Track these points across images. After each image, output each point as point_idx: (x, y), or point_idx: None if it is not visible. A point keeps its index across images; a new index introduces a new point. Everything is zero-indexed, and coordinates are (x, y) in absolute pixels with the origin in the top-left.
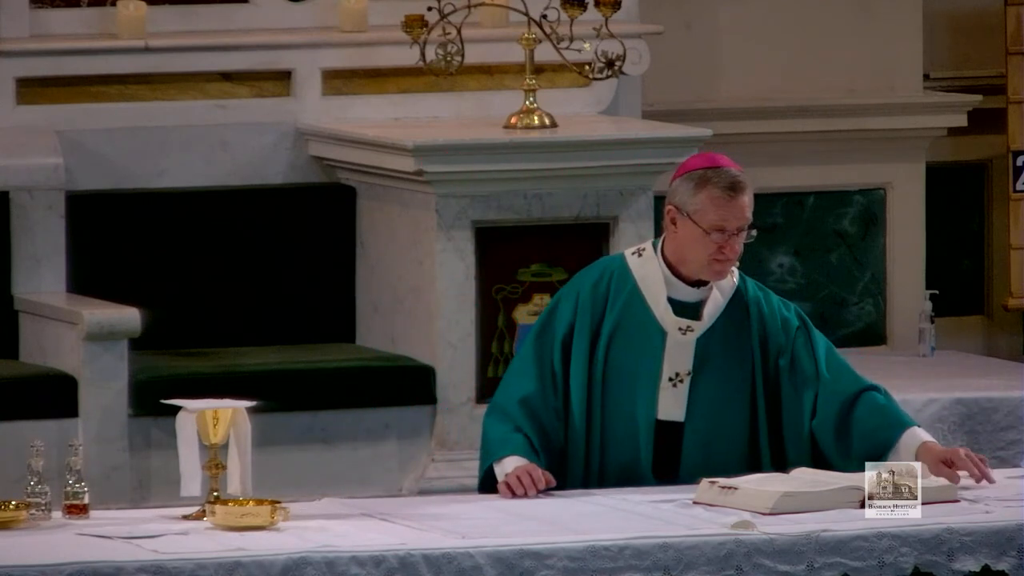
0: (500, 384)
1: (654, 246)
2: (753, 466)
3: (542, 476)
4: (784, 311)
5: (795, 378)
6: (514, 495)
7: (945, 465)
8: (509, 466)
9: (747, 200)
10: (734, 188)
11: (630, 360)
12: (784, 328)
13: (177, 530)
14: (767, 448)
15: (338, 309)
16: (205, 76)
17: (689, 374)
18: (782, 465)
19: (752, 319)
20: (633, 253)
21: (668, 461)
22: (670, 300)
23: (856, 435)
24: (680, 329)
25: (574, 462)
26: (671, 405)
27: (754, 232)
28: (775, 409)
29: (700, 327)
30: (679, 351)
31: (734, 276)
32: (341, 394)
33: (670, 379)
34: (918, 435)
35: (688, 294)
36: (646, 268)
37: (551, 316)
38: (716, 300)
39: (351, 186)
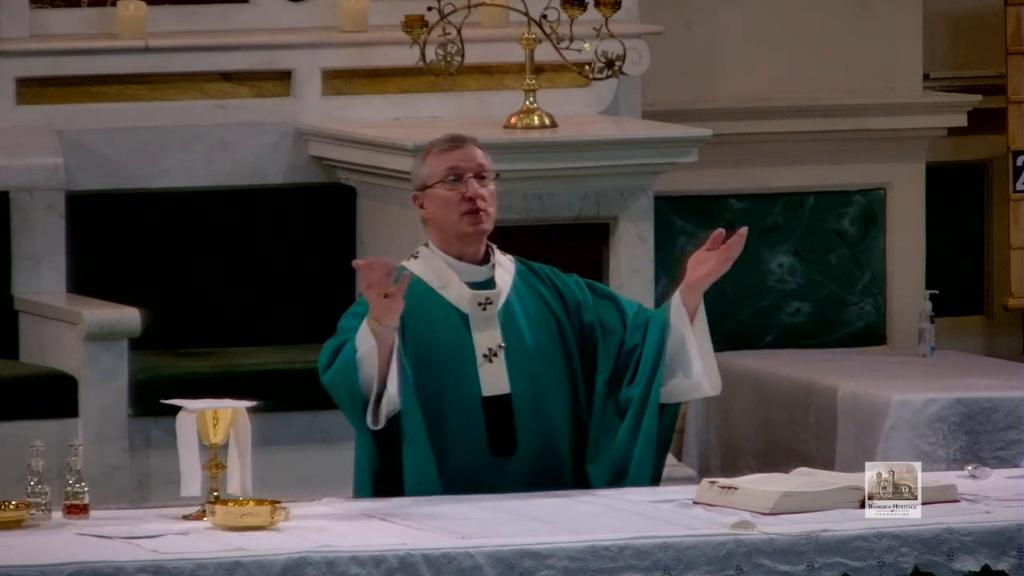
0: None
1: (426, 246)
2: (580, 430)
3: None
4: (564, 275)
5: (606, 330)
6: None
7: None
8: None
9: (476, 150)
10: (455, 139)
11: (439, 348)
12: (577, 287)
13: (177, 530)
14: (586, 410)
15: (338, 309)
16: (205, 76)
17: (502, 347)
18: (606, 425)
19: (544, 285)
20: (409, 259)
21: (505, 436)
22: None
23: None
24: (480, 304)
25: (420, 448)
26: (493, 380)
27: (497, 175)
28: (591, 367)
29: (497, 296)
30: (485, 326)
31: (510, 257)
32: None
33: (484, 355)
34: (675, 298)
35: (476, 273)
36: (427, 265)
37: (344, 328)
38: (502, 273)
39: (351, 186)
